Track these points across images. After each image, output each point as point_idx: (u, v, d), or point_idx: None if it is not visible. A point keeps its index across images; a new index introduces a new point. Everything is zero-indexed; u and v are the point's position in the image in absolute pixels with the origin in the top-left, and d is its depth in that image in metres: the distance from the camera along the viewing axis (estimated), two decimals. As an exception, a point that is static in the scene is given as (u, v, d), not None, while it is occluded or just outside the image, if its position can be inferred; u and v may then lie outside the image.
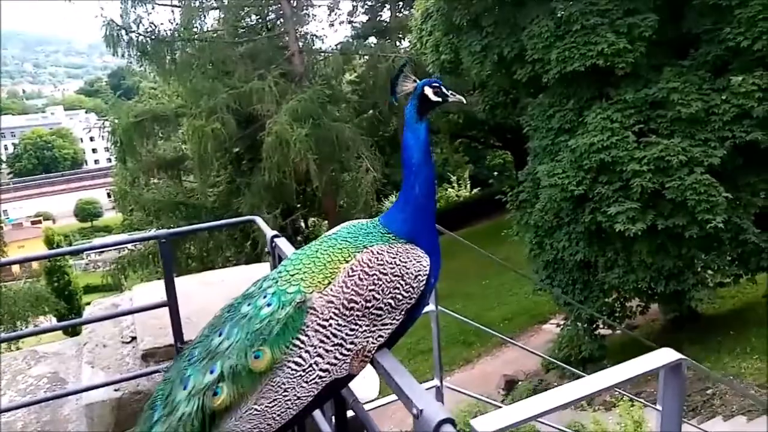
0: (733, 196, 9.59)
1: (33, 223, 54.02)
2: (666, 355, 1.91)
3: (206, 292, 3.31)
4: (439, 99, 1.94)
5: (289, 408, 1.70)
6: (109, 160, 51.89)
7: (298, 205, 22.12)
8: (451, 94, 1.96)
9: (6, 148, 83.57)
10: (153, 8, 19.23)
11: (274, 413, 1.69)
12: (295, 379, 1.69)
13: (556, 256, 11.52)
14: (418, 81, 1.97)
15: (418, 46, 14.04)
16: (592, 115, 10.22)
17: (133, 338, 3.29)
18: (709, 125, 9.61)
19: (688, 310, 11.51)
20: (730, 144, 9.52)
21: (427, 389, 4.23)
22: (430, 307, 3.88)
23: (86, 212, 61.72)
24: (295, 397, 1.69)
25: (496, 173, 34.05)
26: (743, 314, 12.65)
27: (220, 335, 1.84)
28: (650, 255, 10.15)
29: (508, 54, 11.25)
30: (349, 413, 2.07)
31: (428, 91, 1.94)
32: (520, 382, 13.57)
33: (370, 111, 22.29)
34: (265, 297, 1.82)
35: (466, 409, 8.95)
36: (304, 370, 1.69)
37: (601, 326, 11.79)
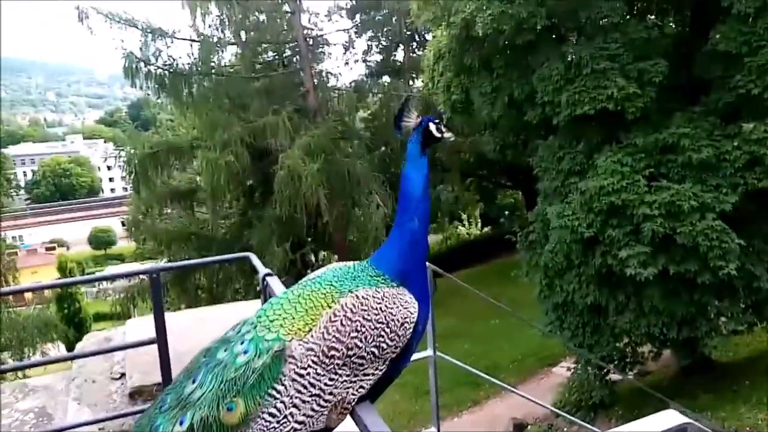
0: (746, 243, 9.45)
1: (47, 249, 54.48)
2: (671, 418, 1.87)
3: (200, 329, 3.27)
4: (440, 135, 1.98)
5: None
6: (125, 189, 52.54)
7: (309, 239, 22.17)
8: (446, 130, 2.00)
9: (25, 175, 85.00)
10: (172, 42, 19.69)
11: None
12: (268, 431, 1.60)
13: (566, 299, 11.36)
14: (422, 117, 2.00)
15: (429, 86, 14.22)
16: (603, 158, 10.21)
17: (123, 375, 3.24)
18: (720, 171, 9.55)
19: (701, 357, 11.26)
20: (742, 190, 9.44)
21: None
22: (428, 351, 3.80)
23: (100, 240, 62.20)
24: None
25: (506, 212, 33.97)
26: (758, 363, 12.35)
27: (193, 382, 1.74)
28: (662, 300, 9.98)
29: (518, 96, 11.34)
30: None
31: (432, 127, 1.97)
32: (529, 426, 13.27)
33: (382, 148, 22.48)
34: (242, 343, 1.73)
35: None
36: (278, 422, 1.60)
37: (612, 371, 11.54)
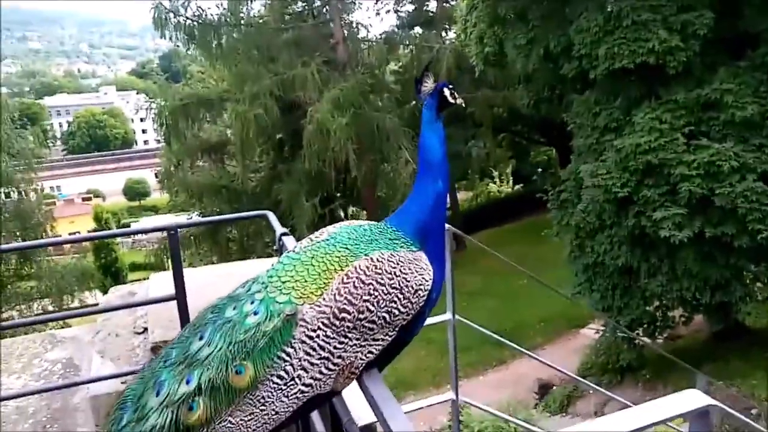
0: (788, 207, 9.07)
1: (84, 199, 55.90)
2: (693, 399, 1.74)
3: (219, 285, 3.26)
4: (453, 101, 1.96)
5: (265, 423, 1.59)
6: (158, 141, 53.22)
7: (338, 194, 22.20)
8: (457, 96, 1.98)
9: (60, 126, 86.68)
10: (201, -8, 19.46)
11: (250, 427, 1.58)
12: (275, 393, 1.58)
13: (597, 260, 11.16)
14: (437, 82, 1.99)
15: (462, 38, 13.80)
16: (641, 114, 9.81)
17: (145, 329, 3.27)
18: (764, 130, 9.10)
19: (734, 323, 11.02)
20: (787, 151, 9.01)
21: (442, 402, 4.11)
22: (447, 315, 3.73)
23: (135, 191, 63.52)
24: (273, 412, 1.59)
25: (540, 170, 33.39)
26: (794, 329, 12.06)
27: (200, 339, 1.70)
28: (696, 263, 9.71)
29: (554, 48, 10.90)
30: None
31: (446, 92, 1.96)
32: (554, 387, 13.31)
33: (413, 102, 22.10)
34: (252, 303, 1.70)
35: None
36: (285, 384, 1.58)
37: (641, 335, 11.39)
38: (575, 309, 16.38)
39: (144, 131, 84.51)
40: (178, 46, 21.23)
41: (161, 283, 3.53)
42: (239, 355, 1.60)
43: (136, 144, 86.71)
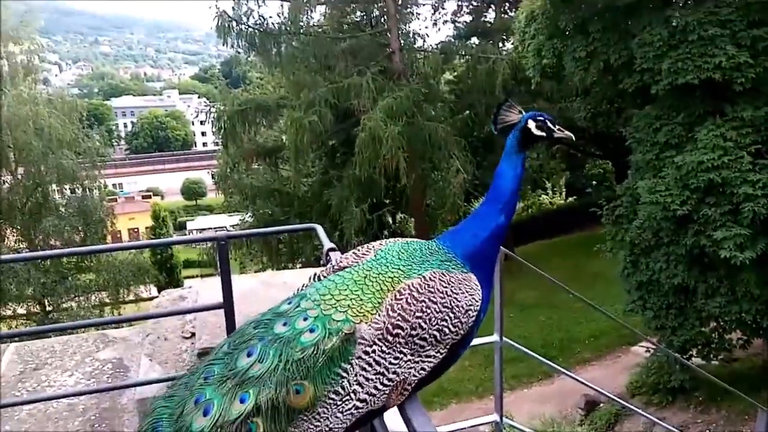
0: None
1: (143, 197, 57.96)
2: None
3: (267, 294, 3.34)
4: (543, 134, 1.88)
5: None
6: (215, 143, 54.76)
7: (387, 201, 22.33)
8: (559, 129, 1.89)
9: (125, 126, 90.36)
10: (263, 1, 20.00)
11: None
12: (330, 409, 1.58)
13: (651, 278, 10.88)
14: (523, 112, 1.93)
15: (519, 49, 13.70)
16: (704, 131, 9.53)
17: (193, 334, 3.33)
18: (836, 151, 8.70)
19: (796, 350, 10.53)
20: None
21: (486, 423, 4.07)
22: (494, 337, 3.68)
23: (192, 191, 65.40)
24: (327, 428, 1.57)
25: (594, 183, 32.60)
26: None
27: (249, 356, 1.65)
28: (758, 286, 9.36)
29: (615, 61, 10.71)
30: None
31: (531, 124, 1.90)
32: (601, 405, 12.98)
33: (466, 112, 22.05)
34: (305, 320, 1.67)
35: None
36: (341, 400, 1.58)
37: (695, 356, 11.01)
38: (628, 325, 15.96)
39: (203, 134, 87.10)
40: (239, 52, 21.85)
41: (210, 288, 3.60)
42: (298, 374, 1.58)
43: (195, 146, 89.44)
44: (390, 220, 23.72)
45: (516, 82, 19.57)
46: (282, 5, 20.30)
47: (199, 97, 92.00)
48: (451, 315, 1.66)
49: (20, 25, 22.82)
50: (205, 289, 3.70)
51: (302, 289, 1.85)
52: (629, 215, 11.44)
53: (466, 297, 1.69)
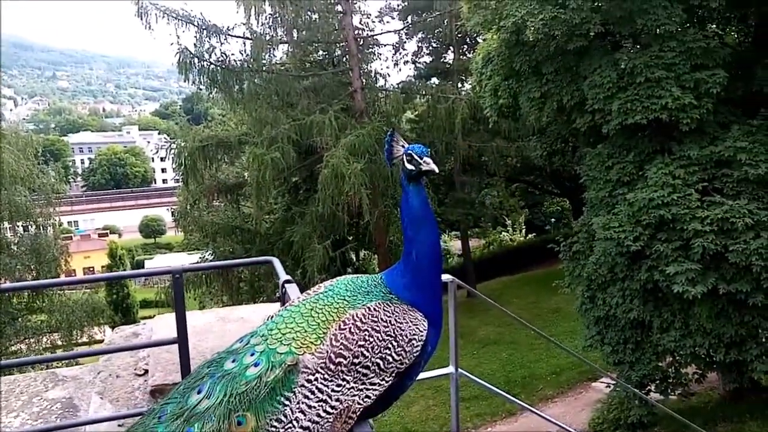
0: (804, 265, 8.98)
1: (100, 235, 56.45)
2: None
3: (223, 329, 3.30)
4: (412, 167, 1.89)
5: None
6: (176, 180, 54.01)
7: (350, 238, 22.28)
8: (425, 162, 1.88)
9: (83, 162, 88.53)
10: (225, 39, 20.05)
11: None
12: None
13: (608, 312, 11.08)
14: (406, 145, 1.95)
15: (477, 89, 14.06)
16: (654, 169, 9.88)
17: (146, 371, 3.28)
18: (779, 189, 9.11)
19: (749, 382, 10.77)
20: (802, 210, 8.98)
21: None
22: (450, 369, 3.70)
23: (150, 228, 64.07)
24: None
25: (553, 220, 33.39)
26: (812, 391, 11.74)
27: (198, 393, 1.71)
28: (710, 320, 9.60)
29: (567, 102, 11.08)
30: None
31: (405, 159, 1.93)
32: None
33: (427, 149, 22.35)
34: (252, 355, 1.72)
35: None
36: (284, 428, 1.59)
37: (653, 390, 11.15)
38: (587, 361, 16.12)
39: (163, 170, 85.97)
40: (200, 89, 21.77)
41: (165, 325, 3.56)
42: (241, 406, 1.62)
43: (155, 182, 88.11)
44: (353, 257, 23.64)
45: (475, 121, 20.03)
46: (244, 43, 20.42)
47: (159, 134, 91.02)
48: (395, 344, 1.68)
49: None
50: (159, 326, 3.64)
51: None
52: (585, 251, 11.68)
53: (410, 326, 1.71)
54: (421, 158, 1.88)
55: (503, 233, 32.83)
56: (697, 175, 9.67)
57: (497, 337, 18.62)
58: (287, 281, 2.75)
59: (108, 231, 60.25)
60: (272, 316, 1.89)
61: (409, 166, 1.90)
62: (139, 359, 3.42)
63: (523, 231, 33.45)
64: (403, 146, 1.95)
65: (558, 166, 17.06)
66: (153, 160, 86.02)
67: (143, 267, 51.92)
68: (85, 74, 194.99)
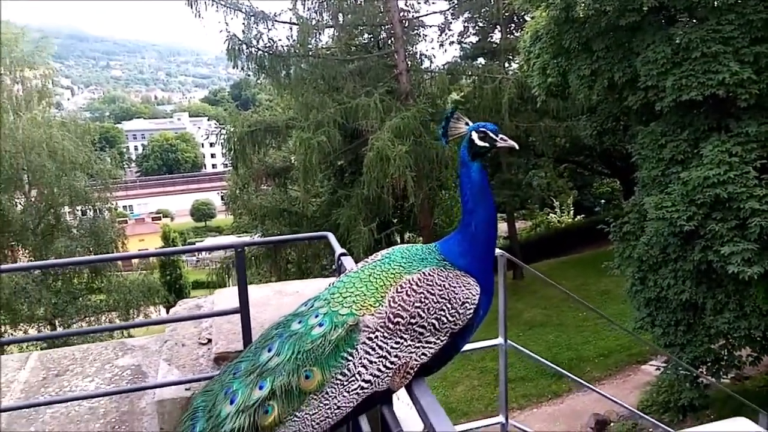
0: None
1: (153, 219, 58.36)
2: (741, 425, 1.80)
3: (280, 302, 3.46)
4: (486, 144, 1.95)
5: (328, 417, 1.75)
6: (225, 165, 55.18)
7: (395, 220, 22.40)
8: (501, 139, 1.95)
9: (136, 149, 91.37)
10: (273, 25, 20.33)
11: (314, 421, 1.75)
12: (337, 389, 1.75)
13: (659, 294, 10.87)
14: (470, 123, 2.01)
15: (525, 68, 13.89)
16: (709, 147, 9.60)
17: (209, 340, 3.46)
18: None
19: (809, 366, 10.44)
20: None
21: (490, 425, 4.13)
22: (499, 340, 3.77)
23: (201, 212, 65.79)
24: (336, 407, 1.75)
25: (603, 201, 32.63)
26: None
27: (269, 351, 1.89)
28: (766, 301, 9.33)
29: (619, 79, 10.84)
30: None
31: (474, 135, 1.98)
32: (612, 424, 12.87)
33: (474, 132, 22.15)
34: (316, 317, 1.87)
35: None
36: (347, 380, 1.74)
37: (705, 373, 10.92)
38: (636, 344, 15.86)
39: (213, 155, 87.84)
40: (249, 75, 22.17)
41: (225, 298, 3.75)
42: (308, 362, 1.78)
43: (205, 167, 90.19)
44: (398, 239, 23.76)
45: (522, 101, 19.72)
46: (291, 28, 20.63)
47: (208, 120, 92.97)
48: (449, 306, 1.79)
49: (35, 51, 23.35)
50: (220, 299, 3.84)
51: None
52: (636, 232, 11.46)
53: (462, 290, 1.83)
54: (497, 135, 1.95)
55: (551, 215, 32.32)
56: (755, 153, 9.36)
57: (544, 320, 18.48)
58: (342, 254, 2.88)
59: (161, 215, 62.21)
60: (333, 283, 2.03)
61: (481, 143, 1.96)
62: (202, 329, 3.62)
63: (572, 212, 32.81)
64: (466, 124, 2.02)
65: (608, 145, 16.70)
66: (203, 146, 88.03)
67: (195, 249, 53.46)
68: (137, 63, 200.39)
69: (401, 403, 1.83)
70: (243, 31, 19.90)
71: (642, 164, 11.27)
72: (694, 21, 10.10)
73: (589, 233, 23.43)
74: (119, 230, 24.17)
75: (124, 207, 57.31)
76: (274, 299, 3.58)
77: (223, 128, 22.11)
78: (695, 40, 9.45)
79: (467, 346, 3.83)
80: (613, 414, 12.93)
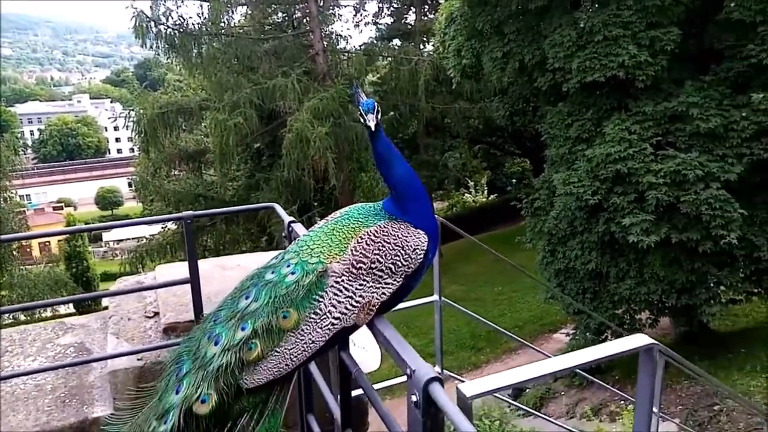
0: (749, 213, 9.56)
1: (54, 209, 54.89)
2: (640, 340, 2.09)
3: (224, 275, 3.50)
4: (361, 120, 2.12)
5: (304, 350, 1.99)
6: (132, 149, 52.64)
7: (315, 203, 22.38)
8: (368, 119, 2.09)
9: (32, 133, 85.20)
10: (182, 1, 19.62)
11: (292, 355, 1.99)
12: (312, 326, 1.99)
13: (568, 265, 11.57)
14: (362, 100, 2.14)
15: (440, 50, 14.20)
16: (611, 125, 10.26)
17: (156, 314, 3.49)
18: (727, 141, 9.60)
19: (699, 326, 11.49)
20: (748, 161, 9.50)
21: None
22: (434, 297, 4.04)
23: (107, 200, 62.68)
24: (311, 341, 1.99)
25: (514, 181, 34.05)
26: (756, 333, 12.57)
27: (246, 299, 2.12)
28: (662, 268, 10.16)
29: (529, 61, 11.33)
30: (354, 392, 2.31)
31: (359, 113, 2.15)
32: (527, 390, 13.62)
33: (391, 113, 22.46)
34: (288, 266, 2.11)
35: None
36: (320, 318, 1.99)
37: (610, 337, 11.79)
38: (547, 315, 16.82)
39: (117, 140, 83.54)
40: (158, 54, 21.23)
41: (167, 273, 3.76)
42: (284, 304, 2.03)
43: (109, 153, 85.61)
44: (320, 221, 23.71)
45: (438, 83, 20.18)
46: (201, 5, 19.97)
47: (112, 102, 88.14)
48: (402, 252, 2.06)
49: None
50: (162, 273, 3.84)
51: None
52: (546, 207, 12.11)
53: (413, 239, 2.09)
54: (366, 115, 2.10)
55: (466, 195, 33.36)
56: (651, 130, 10.08)
57: (463, 295, 19.15)
58: (292, 221, 2.99)
59: (63, 204, 58.62)
60: (299, 239, 2.27)
61: (360, 119, 2.14)
62: (146, 304, 3.63)
63: (486, 192, 34.04)
64: (360, 99, 2.16)
65: (520, 126, 17.42)
66: (107, 130, 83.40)
67: (101, 240, 50.88)
68: (30, 41, 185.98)
69: (357, 348, 1.99)
70: (151, 7, 19.02)
71: (550, 143, 11.88)
72: (597, 5, 10.69)
73: (503, 212, 24.47)
74: (20, 221, 22.62)
75: (21, 197, 53.50)
76: (217, 272, 3.65)
77: (131, 110, 21.08)
78: (597, 24, 10.02)
79: (407, 303, 4.07)
80: (528, 381, 13.67)
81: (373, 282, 2.02)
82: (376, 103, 2.12)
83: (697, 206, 9.29)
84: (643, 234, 9.69)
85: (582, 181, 10.41)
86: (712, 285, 10.28)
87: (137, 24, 18.65)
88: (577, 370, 9.39)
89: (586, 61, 10.09)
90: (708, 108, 9.67)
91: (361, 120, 2.11)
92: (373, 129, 2.09)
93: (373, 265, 2.02)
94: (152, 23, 18.86)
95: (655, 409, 3.77)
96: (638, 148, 9.87)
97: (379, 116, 2.11)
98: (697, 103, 9.71)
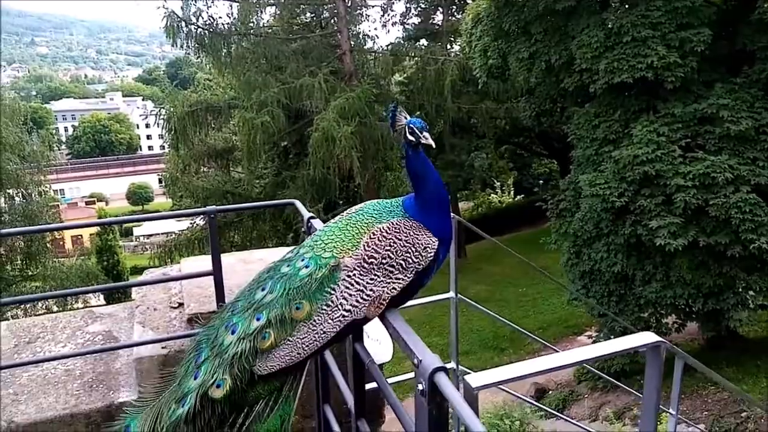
0: (780, 218, 9.37)
1: (87, 203, 56.14)
2: (647, 338, 2.12)
3: (246, 268, 3.60)
4: (413, 138, 2.16)
5: (316, 340, 2.07)
6: (162, 146, 53.50)
7: (341, 201, 22.51)
8: (424, 137, 2.15)
9: (66, 130, 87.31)
10: (212, 2, 19.92)
11: (305, 344, 2.08)
12: (323, 317, 2.07)
13: (593, 267, 11.46)
14: (408, 117, 2.22)
15: (467, 50, 14.16)
16: (639, 127, 10.15)
17: (180, 304, 3.61)
18: (758, 144, 9.44)
19: (727, 331, 11.27)
20: (779, 164, 9.34)
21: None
22: (451, 294, 4.07)
23: (138, 196, 63.80)
24: (322, 332, 2.07)
25: (541, 181, 33.79)
26: (786, 340, 12.32)
27: (262, 290, 2.21)
28: (690, 271, 10.02)
29: (556, 62, 11.26)
30: (369, 385, 2.37)
31: (407, 130, 2.20)
32: (550, 392, 13.54)
33: (417, 112, 22.46)
34: (302, 260, 2.19)
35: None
36: (331, 310, 2.07)
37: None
38: (572, 317, 16.67)
39: (149, 137, 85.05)
40: (188, 54, 21.60)
41: (192, 265, 3.90)
42: (298, 296, 2.12)
43: (141, 149, 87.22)
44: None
45: (464, 83, 20.13)
46: (231, 6, 20.25)
47: (143, 100, 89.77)
48: (413, 249, 2.12)
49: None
50: (187, 266, 3.97)
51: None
52: (572, 208, 12.01)
53: (424, 237, 2.15)
54: (422, 133, 2.16)
55: (492, 195, 33.21)
56: (680, 132, 9.95)
57: (487, 296, 19.10)
58: (311, 217, 3.09)
59: (95, 199, 59.93)
60: (315, 233, 2.35)
61: (411, 138, 2.18)
62: (172, 295, 3.76)
63: (512, 193, 33.86)
64: (405, 117, 2.23)
65: (546, 126, 17.30)
66: (138, 127, 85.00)
67: (132, 234, 51.91)
68: (65, 40, 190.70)
69: (371, 340, 2.06)
70: (182, 7, 19.37)
71: (577, 144, 11.78)
72: (626, 6, 10.58)
73: (529, 213, 24.30)
74: (54, 214, 23.20)
75: (55, 191, 54.85)
76: (240, 266, 3.77)
77: (162, 108, 21.48)
78: (626, 24, 9.93)
79: (423, 299, 4.15)
80: (551, 383, 13.61)
81: (383, 277, 2.08)
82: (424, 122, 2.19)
83: (727, 209, 9.15)
84: (670, 237, 9.58)
85: (609, 183, 10.32)
86: (740, 290, 10.09)
87: (168, 24, 19.00)
88: (601, 374, 9.34)
89: (614, 62, 10.01)
90: (739, 110, 9.51)
91: (410, 137, 2.13)
92: (421, 147, 2.14)
93: (384, 261, 2.09)
94: (183, 23, 19.19)
95: (672, 411, 3.76)
96: (666, 150, 9.75)
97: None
98: (727, 105, 9.55)
